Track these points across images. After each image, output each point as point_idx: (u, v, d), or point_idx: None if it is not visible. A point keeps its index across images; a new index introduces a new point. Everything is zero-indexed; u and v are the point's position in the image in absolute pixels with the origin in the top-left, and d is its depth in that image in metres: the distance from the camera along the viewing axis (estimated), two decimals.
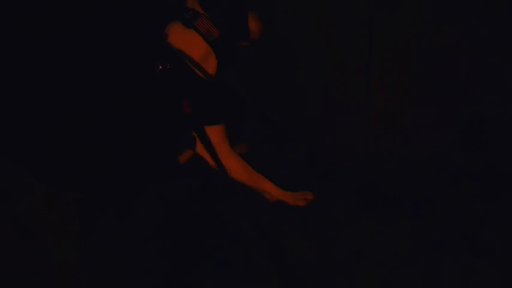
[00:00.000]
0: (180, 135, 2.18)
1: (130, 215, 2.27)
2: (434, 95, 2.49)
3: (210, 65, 2.15)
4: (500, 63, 2.46)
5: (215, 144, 2.18)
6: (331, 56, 2.41)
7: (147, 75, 2.06)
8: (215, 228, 2.26)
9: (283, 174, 2.43)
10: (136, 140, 2.10)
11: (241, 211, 2.29)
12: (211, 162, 2.22)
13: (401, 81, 2.43)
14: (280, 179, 2.31)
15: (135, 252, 2.17)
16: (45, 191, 1.90)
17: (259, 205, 2.29)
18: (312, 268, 2.06)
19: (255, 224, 2.23)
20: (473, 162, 2.44)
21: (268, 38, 2.36)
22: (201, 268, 2.09)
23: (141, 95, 2.07)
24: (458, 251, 2.06)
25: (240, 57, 2.28)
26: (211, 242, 2.20)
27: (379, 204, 2.30)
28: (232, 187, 2.29)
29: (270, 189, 2.26)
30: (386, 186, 2.38)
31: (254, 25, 2.22)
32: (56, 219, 1.90)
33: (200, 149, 2.20)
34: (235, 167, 2.23)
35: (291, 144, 2.66)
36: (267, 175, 2.29)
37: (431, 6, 2.34)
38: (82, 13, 2.39)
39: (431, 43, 2.38)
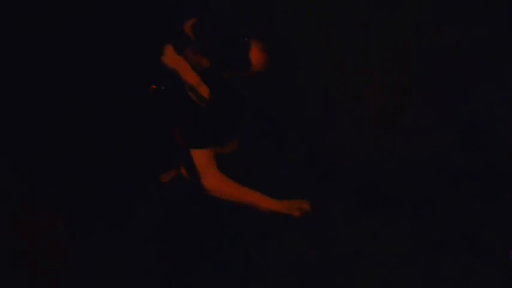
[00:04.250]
0: (166, 153, 2.15)
1: (130, 216, 2.27)
2: (434, 95, 2.49)
3: (203, 92, 2.07)
4: (500, 63, 2.46)
5: (199, 167, 2.12)
6: (331, 56, 2.41)
7: (141, 89, 2.04)
8: (215, 229, 2.26)
9: (283, 174, 2.43)
10: (135, 140, 2.09)
11: (241, 212, 2.29)
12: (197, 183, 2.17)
13: (401, 81, 2.43)
14: (280, 179, 2.31)
15: (135, 252, 2.17)
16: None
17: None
18: (312, 268, 2.06)
19: (254, 224, 2.23)
20: (473, 162, 2.44)
21: (268, 38, 2.35)
22: (200, 269, 2.09)
23: (139, 99, 2.06)
24: (458, 251, 2.06)
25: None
26: (210, 243, 2.20)
27: (379, 204, 2.29)
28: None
29: (261, 202, 2.17)
30: (386, 186, 2.37)
31: (257, 56, 2.06)
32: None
33: (184, 169, 2.17)
34: (218, 189, 2.15)
35: (290, 144, 2.66)
36: (266, 175, 2.29)
37: (431, 6, 2.34)
38: (82, 14, 2.39)
39: (431, 43, 2.38)
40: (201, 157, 2.11)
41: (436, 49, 2.39)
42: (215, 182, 2.14)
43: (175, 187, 2.40)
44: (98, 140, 2.07)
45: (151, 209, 2.32)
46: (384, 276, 2.00)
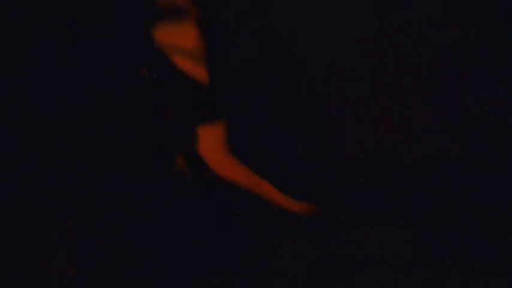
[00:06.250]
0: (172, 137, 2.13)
1: (131, 217, 2.27)
2: (434, 95, 2.49)
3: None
4: (500, 63, 2.46)
5: (205, 146, 2.11)
6: (331, 57, 2.42)
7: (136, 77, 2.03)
8: (215, 228, 2.26)
9: (283, 175, 2.43)
10: (133, 139, 2.07)
11: (242, 211, 2.29)
12: (211, 166, 2.14)
13: (401, 81, 2.43)
14: (280, 179, 2.31)
15: (135, 252, 2.16)
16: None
17: (259, 205, 2.29)
18: (312, 268, 2.06)
19: (255, 226, 2.23)
20: (474, 162, 2.44)
21: (268, 39, 2.36)
22: (201, 268, 2.09)
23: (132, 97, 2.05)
24: (458, 251, 2.06)
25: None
26: (211, 243, 2.20)
27: (379, 205, 2.30)
28: (232, 187, 2.29)
29: (272, 193, 2.14)
30: (386, 186, 2.38)
31: None
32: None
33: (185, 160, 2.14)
34: (227, 170, 2.09)
35: (290, 144, 2.66)
36: (266, 176, 2.28)
37: (431, 6, 2.34)
38: (80, 14, 2.39)
39: (431, 43, 2.39)
40: (207, 135, 2.07)
41: (436, 49, 2.39)
42: (224, 162, 2.08)
43: (177, 188, 2.41)
44: (96, 140, 2.06)
45: (151, 208, 2.33)
46: (384, 277, 2.00)
